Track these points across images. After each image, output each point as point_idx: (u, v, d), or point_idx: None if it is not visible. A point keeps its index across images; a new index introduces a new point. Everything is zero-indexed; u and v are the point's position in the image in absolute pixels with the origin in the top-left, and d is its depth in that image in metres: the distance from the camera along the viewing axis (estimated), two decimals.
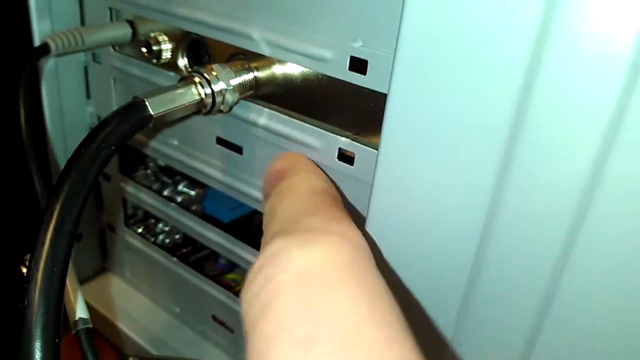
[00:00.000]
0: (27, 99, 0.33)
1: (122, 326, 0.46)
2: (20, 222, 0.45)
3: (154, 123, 0.28)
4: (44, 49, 0.33)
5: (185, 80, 0.30)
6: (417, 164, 0.24)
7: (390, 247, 0.26)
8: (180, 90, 0.29)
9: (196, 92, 0.30)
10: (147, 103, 0.27)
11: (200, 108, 0.30)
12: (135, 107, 0.27)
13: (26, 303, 0.20)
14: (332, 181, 0.29)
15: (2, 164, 0.43)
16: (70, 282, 0.29)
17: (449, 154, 0.23)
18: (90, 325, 0.28)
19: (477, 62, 0.21)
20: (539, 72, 0.19)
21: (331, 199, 0.25)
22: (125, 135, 0.26)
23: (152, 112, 0.27)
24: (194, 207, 0.48)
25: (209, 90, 0.30)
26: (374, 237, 0.26)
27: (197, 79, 0.30)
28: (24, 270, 0.36)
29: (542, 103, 0.20)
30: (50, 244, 0.22)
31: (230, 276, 0.47)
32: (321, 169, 0.30)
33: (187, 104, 0.29)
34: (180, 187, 0.46)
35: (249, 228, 0.47)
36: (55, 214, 0.22)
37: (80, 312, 0.28)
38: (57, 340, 0.21)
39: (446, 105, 0.22)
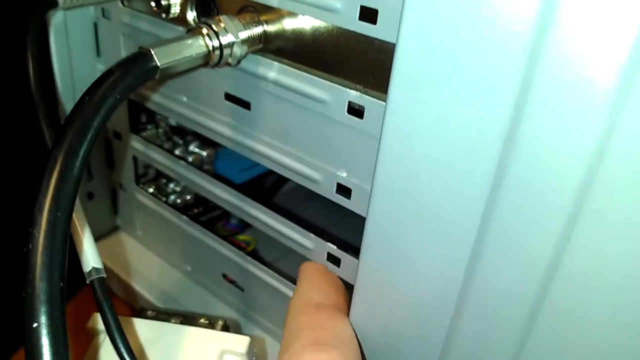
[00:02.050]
0: (35, 54, 0.32)
1: (134, 284, 0.46)
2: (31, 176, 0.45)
3: (160, 74, 0.28)
4: (52, 1, 0.33)
5: (193, 31, 0.30)
6: (427, 111, 0.23)
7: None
8: (187, 41, 0.29)
9: (204, 43, 0.29)
10: (153, 53, 0.27)
11: (207, 60, 0.30)
12: (141, 57, 0.27)
13: (30, 246, 0.20)
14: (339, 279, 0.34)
15: (11, 118, 0.43)
16: (83, 234, 0.29)
17: (459, 100, 0.22)
18: (104, 275, 0.28)
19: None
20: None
21: (320, 314, 0.30)
22: (130, 85, 0.26)
23: (158, 63, 0.27)
24: (205, 168, 0.48)
25: (216, 43, 0.30)
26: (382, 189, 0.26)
27: (204, 31, 0.29)
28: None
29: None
30: (54, 190, 0.22)
31: (241, 237, 0.47)
32: (331, 120, 0.30)
33: (194, 56, 0.29)
34: (191, 147, 0.46)
35: (261, 188, 0.47)
36: (59, 160, 0.22)
37: (94, 262, 0.28)
38: (62, 284, 0.21)
39: (455, 51, 0.21)
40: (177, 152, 0.46)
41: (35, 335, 0.19)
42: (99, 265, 0.28)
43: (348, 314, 0.31)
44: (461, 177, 0.23)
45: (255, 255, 0.42)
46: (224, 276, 0.44)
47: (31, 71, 0.32)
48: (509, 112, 0.21)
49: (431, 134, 0.23)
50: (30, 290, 0.20)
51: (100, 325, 0.29)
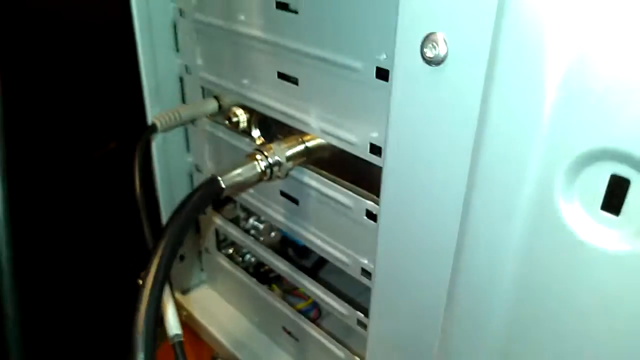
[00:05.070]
0: (141, 165, 0.44)
1: (214, 330, 0.57)
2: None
3: (226, 192, 0.38)
4: (153, 128, 0.45)
5: (250, 157, 0.40)
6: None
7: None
8: (246, 167, 0.39)
9: (257, 166, 0.40)
10: (219, 179, 0.38)
11: (262, 177, 0.40)
12: (211, 182, 0.38)
13: (134, 329, 0.31)
14: None
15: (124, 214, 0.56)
16: (169, 303, 0.40)
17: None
18: (182, 339, 0.39)
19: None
20: None
21: None
22: (204, 204, 0.37)
23: (223, 186, 0.38)
24: (273, 234, 0.59)
25: (267, 164, 0.40)
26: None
27: (258, 157, 0.40)
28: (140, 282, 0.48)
29: None
30: (153, 283, 0.32)
31: (302, 289, 0.57)
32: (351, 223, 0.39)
33: (250, 176, 0.39)
34: (251, 221, 0.56)
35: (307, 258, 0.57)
36: (154, 268, 0.33)
37: (176, 329, 0.39)
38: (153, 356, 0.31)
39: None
40: (242, 224, 0.57)
41: None
42: (179, 331, 0.38)
43: None
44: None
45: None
46: (283, 328, 0.54)
47: (137, 180, 0.43)
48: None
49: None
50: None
51: None
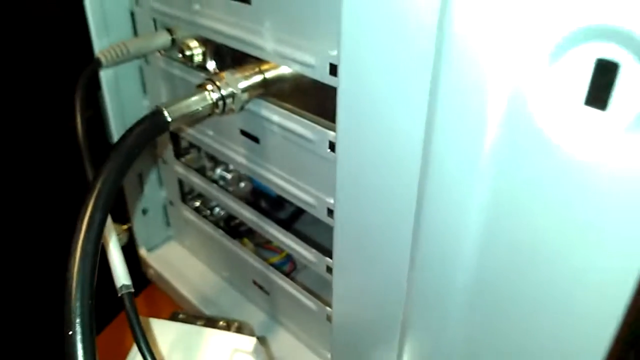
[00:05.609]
0: (82, 105, 0.40)
1: (180, 287, 0.54)
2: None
3: (172, 126, 0.34)
4: (97, 63, 0.41)
5: (200, 87, 0.36)
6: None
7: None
8: (194, 98, 0.35)
9: (209, 97, 0.36)
10: (164, 110, 0.34)
11: (213, 110, 0.36)
12: (155, 114, 0.34)
13: (67, 273, 0.27)
14: None
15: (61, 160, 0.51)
16: (116, 253, 0.36)
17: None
18: (132, 290, 0.35)
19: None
20: None
21: None
22: (148, 137, 0.33)
23: (169, 118, 0.34)
24: (242, 184, 0.55)
25: (219, 95, 0.36)
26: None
27: (209, 87, 0.36)
28: None
29: None
30: (87, 227, 0.28)
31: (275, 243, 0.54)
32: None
33: (200, 109, 0.35)
34: (218, 171, 0.52)
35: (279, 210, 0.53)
36: (89, 211, 0.29)
37: (124, 279, 0.35)
38: (91, 302, 0.28)
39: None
40: (209, 174, 0.53)
41: (71, 341, 0.26)
42: (128, 282, 0.35)
43: None
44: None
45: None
46: (254, 282, 0.50)
47: (78, 122, 0.39)
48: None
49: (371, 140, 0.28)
50: (67, 308, 0.27)
51: None
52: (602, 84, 0.19)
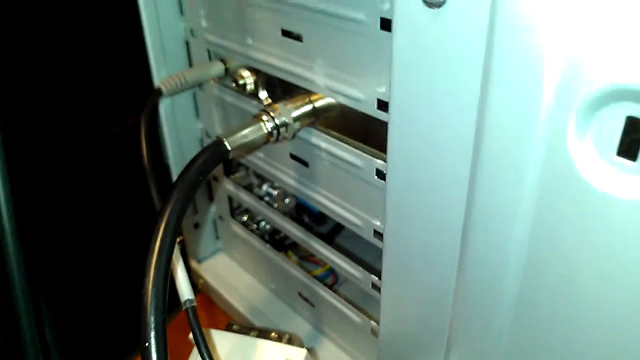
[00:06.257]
0: (147, 132, 0.44)
1: (229, 297, 0.57)
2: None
3: (232, 154, 0.37)
4: (158, 93, 0.44)
5: (256, 118, 0.39)
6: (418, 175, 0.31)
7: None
8: (251, 128, 0.38)
9: (264, 127, 0.39)
10: (225, 141, 0.37)
11: (268, 139, 0.39)
12: (217, 144, 0.37)
13: (142, 291, 0.31)
14: None
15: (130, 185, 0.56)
16: (181, 271, 0.39)
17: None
18: (195, 304, 0.38)
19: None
20: None
21: None
22: (210, 166, 0.36)
23: (229, 148, 0.37)
24: (287, 199, 0.58)
25: (273, 125, 0.39)
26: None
27: (264, 117, 0.39)
28: None
29: None
30: (159, 250, 0.32)
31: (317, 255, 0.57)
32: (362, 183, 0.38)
33: (257, 138, 0.38)
34: (264, 188, 0.55)
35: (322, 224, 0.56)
36: (161, 232, 0.32)
37: (188, 294, 0.38)
38: (163, 316, 0.31)
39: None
40: (256, 190, 0.56)
41: (146, 351, 0.30)
42: (192, 297, 0.38)
43: None
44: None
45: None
46: (299, 294, 0.53)
47: (144, 147, 0.43)
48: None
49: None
50: (143, 322, 0.30)
51: None
52: (631, 138, 0.21)
